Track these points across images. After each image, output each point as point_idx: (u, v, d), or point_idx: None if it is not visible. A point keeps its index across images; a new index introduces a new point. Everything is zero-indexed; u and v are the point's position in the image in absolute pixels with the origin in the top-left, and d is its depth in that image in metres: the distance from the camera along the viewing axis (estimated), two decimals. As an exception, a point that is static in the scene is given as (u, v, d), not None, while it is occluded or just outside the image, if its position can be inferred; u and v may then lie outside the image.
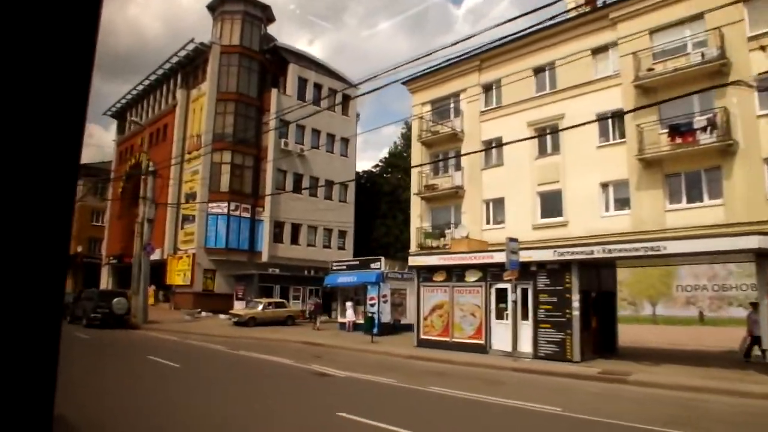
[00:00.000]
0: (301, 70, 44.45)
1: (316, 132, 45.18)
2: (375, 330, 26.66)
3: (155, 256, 42.35)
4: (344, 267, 30.55)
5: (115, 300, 28.20)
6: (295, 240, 43.25)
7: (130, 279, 50.79)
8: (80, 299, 30.21)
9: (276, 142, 41.95)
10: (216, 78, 41.28)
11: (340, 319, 30.72)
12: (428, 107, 32.74)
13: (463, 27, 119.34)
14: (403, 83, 33.18)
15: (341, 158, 46.99)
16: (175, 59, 43.98)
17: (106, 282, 51.90)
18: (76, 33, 0.96)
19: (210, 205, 39.81)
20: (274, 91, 42.40)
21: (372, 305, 27.16)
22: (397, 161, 52.25)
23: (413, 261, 22.36)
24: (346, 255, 46.14)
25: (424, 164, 31.26)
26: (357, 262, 30.09)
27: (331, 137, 46.11)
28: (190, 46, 41.92)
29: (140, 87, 48.87)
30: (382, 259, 28.64)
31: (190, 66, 43.77)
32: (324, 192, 45.34)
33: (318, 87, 45.62)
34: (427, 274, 22.09)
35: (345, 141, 47.17)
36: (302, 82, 44.58)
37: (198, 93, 42.29)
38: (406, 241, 50.16)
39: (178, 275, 40.42)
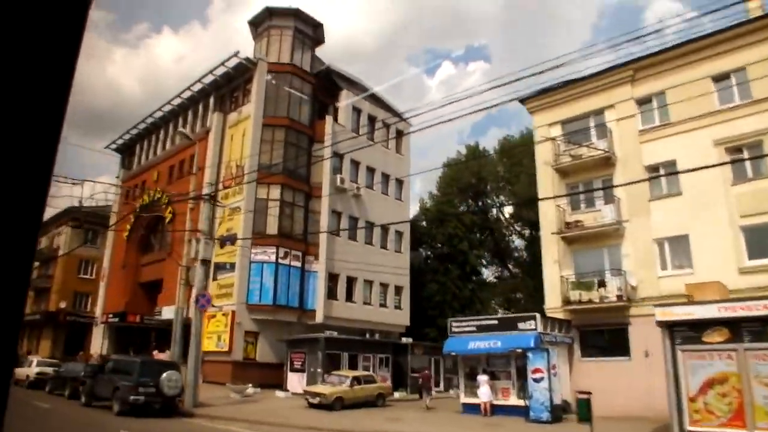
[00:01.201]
0: (355, 99, 37.32)
1: (370, 170, 37.69)
2: (543, 415, 18.45)
3: (173, 314, 33.14)
4: (472, 328, 22.34)
5: (166, 375, 19.00)
6: (349, 296, 34.74)
7: (131, 342, 40.78)
8: (104, 372, 20.76)
9: (331, 179, 34.16)
10: (263, 100, 33.62)
11: (464, 399, 22.19)
12: (557, 129, 25.83)
13: (437, 95, 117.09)
14: (522, 102, 26.46)
15: (396, 202, 39.37)
16: (209, 79, 36.24)
17: (100, 346, 41.53)
18: (53, 62, 0.92)
19: (253, 250, 31.24)
20: (329, 119, 34.99)
21: (538, 380, 18.96)
22: (446, 208, 44.88)
23: (663, 314, 14.54)
24: (403, 315, 37.81)
25: (561, 196, 23.99)
26: (495, 321, 22.05)
27: (385, 177, 38.63)
28: (232, 62, 34.35)
29: (161, 112, 40.52)
30: (537, 316, 20.68)
31: (226, 87, 36.08)
32: (380, 240, 37.37)
33: (372, 120, 38.49)
34: (689, 332, 14.30)
35: (399, 183, 39.75)
36: (356, 113, 37.37)
37: (238, 117, 34.42)
38: (465, 300, 42.35)
39: (209, 339, 31.07)
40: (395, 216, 38.03)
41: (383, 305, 36.68)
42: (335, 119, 36.18)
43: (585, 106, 25.12)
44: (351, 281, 34.83)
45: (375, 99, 39.05)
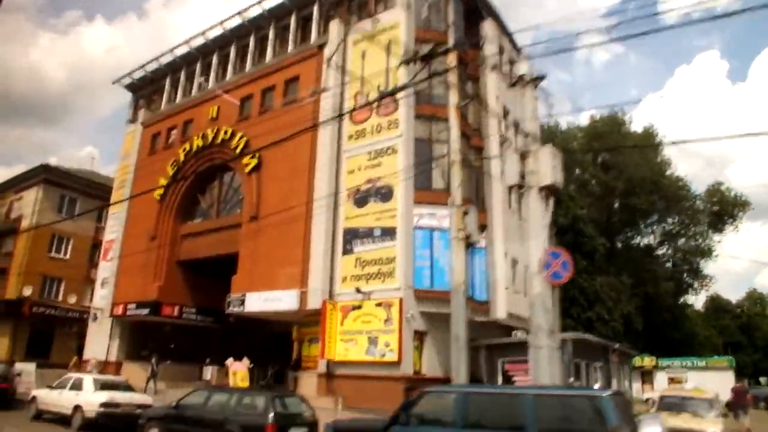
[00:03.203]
0: (500, 36, 26.75)
1: (514, 125, 27.29)
2: None
3: (280, 304, 21.09)
4: None
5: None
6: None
7: (152, 345, 27.20)
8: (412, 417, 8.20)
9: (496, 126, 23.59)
10: (413, 6, 22.38)
11: None
12: None
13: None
14: None
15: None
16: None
17: (105, 349, 27.51)
18: None
19: (416, 211, 19.94)
20: (489, 44, 24.27)
21: None
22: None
23: None
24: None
25: None
26: None
27: (523, 134, 28.39)
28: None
29: (221, 29, 27.46)
30: None
31: (345, -9, 24.34)
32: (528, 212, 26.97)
33: (511, 63, 28.13)
34: None
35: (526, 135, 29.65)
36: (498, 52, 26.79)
37: (374, 27, 22.76)
38: (593, 295, 32.49)
39: (347, 342, 19.22)
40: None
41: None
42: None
43: None
44: (513, 263, 24.15)
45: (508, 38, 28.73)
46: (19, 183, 38.71)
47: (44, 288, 35.86)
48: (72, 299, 36.41)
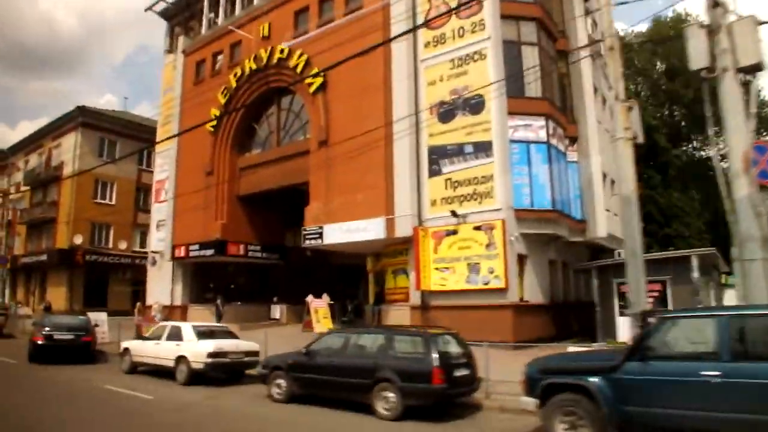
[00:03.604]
0: None
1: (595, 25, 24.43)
2: None
3: (365, 234, 19.40)
4: None
5: None
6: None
7: (215, 286, 26.05)
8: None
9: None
10: None
11: None
12: None
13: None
14: None
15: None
16: None
17: (169, 293, 26.45)
18: None
19: (511, 122, 17.70)
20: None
21: None
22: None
23: None
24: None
25: None
26: None
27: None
28: None
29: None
30: None
31: None
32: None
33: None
34: None
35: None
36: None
37: None
38: (670, 211, 30.35)
39: (441, 269, 17.56)
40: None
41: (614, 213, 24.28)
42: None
43: None
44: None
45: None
46: (55, 129, 37.06)
47: (94, 235, 34.91)
48: (122, 245, 35.53)
